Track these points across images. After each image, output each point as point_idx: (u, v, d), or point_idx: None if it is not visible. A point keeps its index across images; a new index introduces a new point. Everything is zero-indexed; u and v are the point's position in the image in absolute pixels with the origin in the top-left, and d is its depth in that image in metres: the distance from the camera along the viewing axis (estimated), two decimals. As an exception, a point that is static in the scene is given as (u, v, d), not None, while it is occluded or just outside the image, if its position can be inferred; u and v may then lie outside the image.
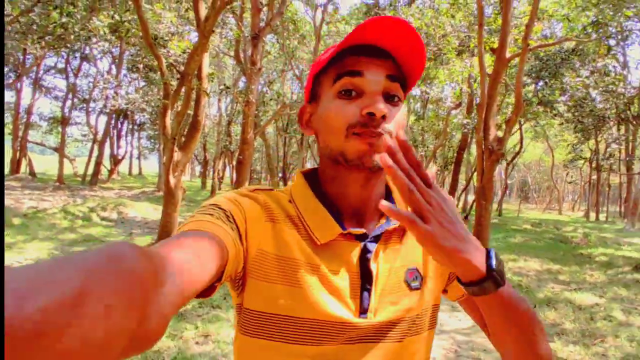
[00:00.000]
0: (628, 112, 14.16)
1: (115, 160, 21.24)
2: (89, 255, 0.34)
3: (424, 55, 0.69)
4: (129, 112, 19.04)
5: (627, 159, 18.84)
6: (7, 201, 10.58)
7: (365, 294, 0.69)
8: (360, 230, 0.70)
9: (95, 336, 0.30)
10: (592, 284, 7.07)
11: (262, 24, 11.79)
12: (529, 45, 8.67)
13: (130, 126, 24.86)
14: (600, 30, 10.75)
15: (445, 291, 0.82)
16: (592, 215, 26.24)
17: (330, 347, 0.66)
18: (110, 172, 20.37)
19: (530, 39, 10.96)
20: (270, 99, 14.26)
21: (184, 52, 6.93)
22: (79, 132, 24.33)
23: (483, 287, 0.58)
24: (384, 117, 0.66)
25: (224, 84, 12.43)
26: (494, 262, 0.58)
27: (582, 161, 23.84)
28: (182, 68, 6.73)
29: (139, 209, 11.98)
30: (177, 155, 6.66)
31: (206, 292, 0.56)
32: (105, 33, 8.25)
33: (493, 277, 0.57)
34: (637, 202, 20.23)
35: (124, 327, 0.33)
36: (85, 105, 19.44)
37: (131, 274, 0.35)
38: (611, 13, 10.34)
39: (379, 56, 0.68)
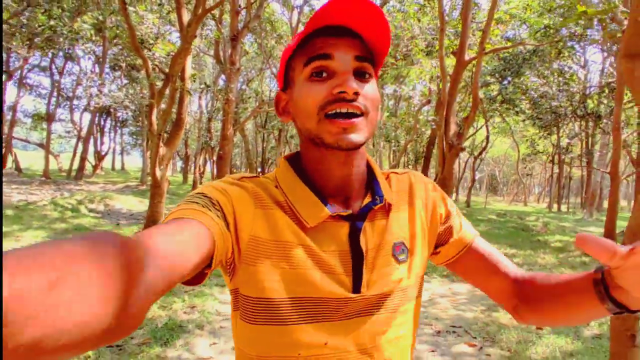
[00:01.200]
0: (583, 109, 14.91)
1: (99, 156, 21.25)
2: (72, 242, 0.34)
3: (389, 32, 0.68)
4: (111, 110, 19.12)
5: (585, 152, 19.79)
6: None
7: (357, 270, 0.70)
8: (347, 212, 0.71)
9: (70, 321, 0.30)
10: (542, 265, 7.61)
11: (240, 26, 12.12)
12: (485, 49, 9.33)
13: (113, 123, 24.84)
14: (551, 35, 11.48)
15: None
16: (556, 206, 26.95)
17: (329, 324, 0.67)
18: (95, 167, 20.46)
19: (490, 42, 11.67)
20: (249, 97, 14.61)
21: (168, 55, 7.31)
22: (62, 128, 24.22)
23: None
24: (357, 94, 0.65)
25: (205, 83, 12.74)
26: None
27: (545, 156, 24.78)
28: (167, 69, 7.12)
29: (124, 201, 12.26)
30: (162, 150, 7.06)
31: (196, 279, 0.57)
32: (91, 35, 8.52)
33: None
34: (595, 194, 21.40)
35: (101, 314, 0.32)
36: (69, 102, 19.45)
37: (113, 261, 0.35)
38: (560, 19, 11.08)
39: (346, 36, 0.67)
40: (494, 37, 12.81)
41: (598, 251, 0.51)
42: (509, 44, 12.82)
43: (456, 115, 10.58)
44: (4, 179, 15.38)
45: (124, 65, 17.32)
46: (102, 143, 21.90)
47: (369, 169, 0.78)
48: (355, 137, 0.65)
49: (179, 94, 7.38)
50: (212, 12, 10.77)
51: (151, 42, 7.07)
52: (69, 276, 0.30)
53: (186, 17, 7.30)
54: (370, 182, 0.76)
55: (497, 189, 52.68)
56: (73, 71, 21.07)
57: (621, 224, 11.76)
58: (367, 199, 0.73)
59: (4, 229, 7.53)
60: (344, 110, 0.64)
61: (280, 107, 0.76)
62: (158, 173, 7.03)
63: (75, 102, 19.78)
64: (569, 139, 20.48)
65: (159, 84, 7.12)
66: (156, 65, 6.86)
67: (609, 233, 9.78)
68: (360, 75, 0.67)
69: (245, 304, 0.67)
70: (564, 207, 27.81)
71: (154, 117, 7.10)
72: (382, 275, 0.71)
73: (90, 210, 10.48)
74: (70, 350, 0.31)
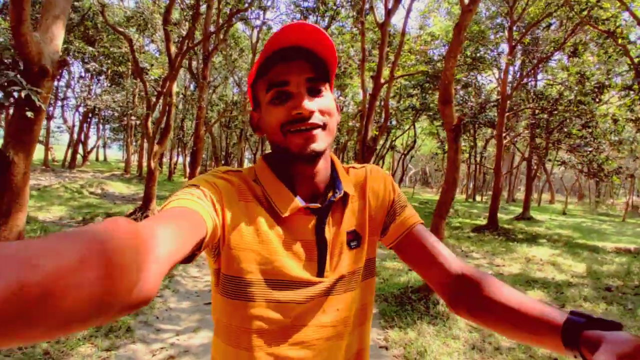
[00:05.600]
0: (476, 118, 17.27)
1: (86, 149, 22.11)
2: (89, 229, 0.35)
3: (333, 46, 0.69)
4: (96, 109, 20.08)
5: (481, 153, 22.53)
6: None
7: (321, 258, 0.72)
8: (316, 205, 0.73)
9: (96, 295, 0.32)
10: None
11: (211, 47, 13.71)
12: (394, 75, 11.61)
13: (96, 120, 25.55)
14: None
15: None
16: (478, 197, 29.65)
17: (297, 304, 0.70)
18: (84, 158, 21.34)
19: (406, 65, 14.00)
20: (215, 104, 16.08)
21: (159, 77, 9.01)
22: (54, 124, 24.60)
23: None
24: (312, 112, 0.67)
25: (182, 93, 14.26)
26: None
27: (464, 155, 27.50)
28: (158, 88, 8.86)
29: (115, 186, 13.69)
30: (156, 147, 8.83)
31: (187, 259, 0.57)
32: (91, 52, 9.96)
33: None
34: (501, 188, 24.62)
35: (122, 288, 0.35)
36: (61, 102, 20.22)
37: (126, 243, 0.36)
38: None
39: (298, 57, 0.69)
40: (410, 61, 15.07)
41: None
42: (422, 67, 15.16)
43: (375, 123, 12.85)
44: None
45: (108, 71, 18.35)
46: (88, 137, 22.69)
47: (333, 166, 0.80)
48: (316, 146, 0.68)
49: (167, 106, 9.15)
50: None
51: (148, 68, 8.75)
52: (92, 256, 0.32)
53: (173, 49, 9.05)
54: (334, 178, 0.78)
55: (429, 182, 55.13)
56: (64, 75, 21.72)
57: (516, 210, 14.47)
58: (330, 194, 0.76)
59: (38, 204, 8.96)
60: (303, 128, 0.67)
61: (254, 124, 0.77)
62: (152, 164, 8.80)
63: (65, 102, 20.56)
64: (486, 140, 23.03)
65: (153, 98, 8.83)
66: (152, 86, 8.58)
67: (492, 215, 12.24)
68: (315, 92, 0.70)
69: (224, 281, 0.69)
70: (478, 198, 30.96)
71: (149, 123, 8.85)
72: (339, 260, 0.74)
73: (91, 193, 11.89)
74: (96, 320, 0.33)
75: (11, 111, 5.36)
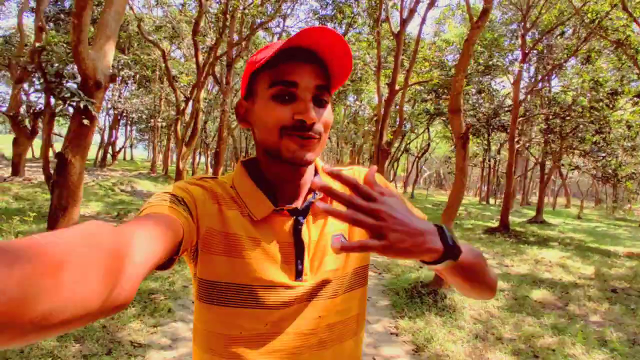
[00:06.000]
0: (489, 123, 17.36)
1: (115, 149, 23.07)
2: (67, 232, 0.34)
3: (351, 60, 0.67)
4: (125, 111, 20.99)
5: (493, 156, 22.58)
6: (52, 178, 12.76)
7: (299, 260, 0.70)
8: (291, 206, 0.71)
9: (73, 299, 0.31)
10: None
11: (234, 54, 14.28)
12: (409, 83, 11.91)
13: (124, 121, 26.55)
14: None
15: None
16: (492, 200, 29.28)
17: (274, 309, 0.67)
18: (113, 157, 22.34)
19: (420, 72, 14.27)
20: (234, 110, 16.63)
21: (188, 84, 9.55)
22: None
23: (445, 263, 0.56)
24: (314, 123, 0.65)
25: (206, 98, 14.86)
26: (449, 240, 0.55)
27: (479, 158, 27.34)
28: (187, 94, 9.39)
29: (144, 185, 14.33)
30: (184, 149, 9.37)
31: (166, 264, 0.57)
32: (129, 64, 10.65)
33: (452, 253, 0.55)
34: (514, 192, 24.68)
35: (98, 292, 0.34)
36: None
37: (104, 248, 0.36)
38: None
39: (310, 61, 0.66)
40: (424, 68, 15.33)
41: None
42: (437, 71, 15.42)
43: (390, 127, 13.15)
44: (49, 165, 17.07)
45: (136, 76, 19.16)
46: (116, 138, 23.64)
47: (315, 168, 0.78)
48: (309, 155, 0.66)
49: (195, 111, 9.67)
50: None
51: (179, 76, 9.30)
52: (71, 260, 0.32)
53: (201, 58, 9.58)
54: None
55: (443, 184, 54.74)
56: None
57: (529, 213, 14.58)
58: (310, 195, 0.74)
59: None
60: (302, 136, 0.65)
61: (240, 114, 0.75)
62: (181, 165, 9.35)
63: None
64: (500, 144, 23.02)
65: (182, 104, 9.38)
66: (181, 92, 9.13)
67: (504, 217, 12.42)
68: (319, 102, 0.67)
69: (200, 286, 0.68)
70: (492, 200, 30.78)
71: (179, 127, 9.38)
72: (320, 265, 0.71)
73: (122, 191, 12.51)
74: (74, 323, 0.32)
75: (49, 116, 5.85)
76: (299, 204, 0.73)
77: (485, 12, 4.82)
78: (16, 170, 11.36)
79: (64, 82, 3.91)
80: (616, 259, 9.17)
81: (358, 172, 0.82)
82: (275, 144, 0.67)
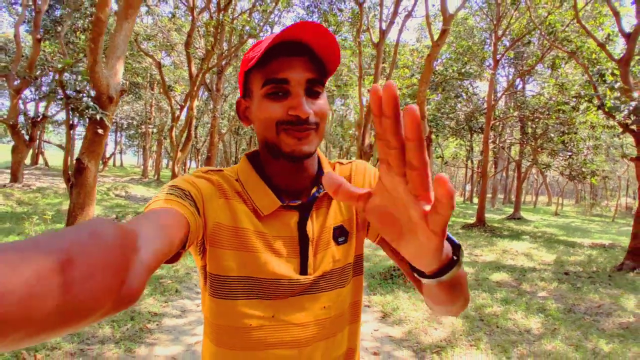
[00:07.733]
0: (467, 125, 18.13)
1: (105, 155, 23.56)
2: (73, 230, 0.34)
3: (337, 45, 0.66)
4: (115, 118, 21.50)
5: (469, 157, 23.45)
6: (48, 182, 13.24)
7: (304, 254, 0.71)
8: (296, 202, 0.72)
9: (82, 295, 0.31)
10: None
11: (224, 63, 14.93)
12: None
13: (114, 128, 27.03)
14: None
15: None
16: (475, 199, 30.19)
17: (280, 301, 0.69)
18: (104, 163, 22.79)
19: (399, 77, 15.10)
20: (225, 112, 17.15)
21: (181, 93, 10.24)
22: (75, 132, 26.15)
23: (451, 272, 0.46)
24: (308, 117, 0.65)
25: (197, 105, 15.52)
26: (454, 240, 0.49)
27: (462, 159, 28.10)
28: (181, 103, 10.07)
29: (136, 189, 14.92)
30: (179, 154, 10.04)
31: (173, 258, 0.57)
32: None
33: (457, 257, 0.48)
34: (496, 190, 25.66)
35: (107, 288, 0.33)
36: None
37: (111, 244, 0.35)
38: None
39: (299, 54, 0.66)
40: (405, 74, 16.18)
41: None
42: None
43: (372, 131, 14.01)
44: (39, 172, 17.60)
45: (127, 83, 19.70)
46: (107, 145, 24.15)
47: (319, 162, 0.79)
48: (307, 148, 0.67)
49: (189, 118, 10.35)
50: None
51: (173, 86, 9.99)
52: (78, 257, 0.31)
53: (194, 69, 10.28)
54: (319, 175, 0.77)
55: None
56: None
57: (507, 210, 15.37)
58: (314, 190, 0.75)
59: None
60: (297, 129, 0.66)
61: (240, 112, 0.75)
62: (176, 169, 10.01)
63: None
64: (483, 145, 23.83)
65: (177, 111, 10.06)
66: (176, 101, 9.81)
67: (480, 214, 13.26)
68: (312, 93, 0.67)
69: (210, 280, 0.69)
70: (476, 200, 31.63)
71: (173, 133, 10.06)
72: (324, 257, 0.72)
73: (117, 195, 13.09)
74: (85, 320, 0.32)
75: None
76: (303, 198, 0.75)
77: (443, 32, 5.65)
78: (15, 177, 11.90)
79: (82, 97, 4.59)
80: (579, 248, 10.01)
81: (355, 165, 0.83)
82: (274, 140, 0.68)
